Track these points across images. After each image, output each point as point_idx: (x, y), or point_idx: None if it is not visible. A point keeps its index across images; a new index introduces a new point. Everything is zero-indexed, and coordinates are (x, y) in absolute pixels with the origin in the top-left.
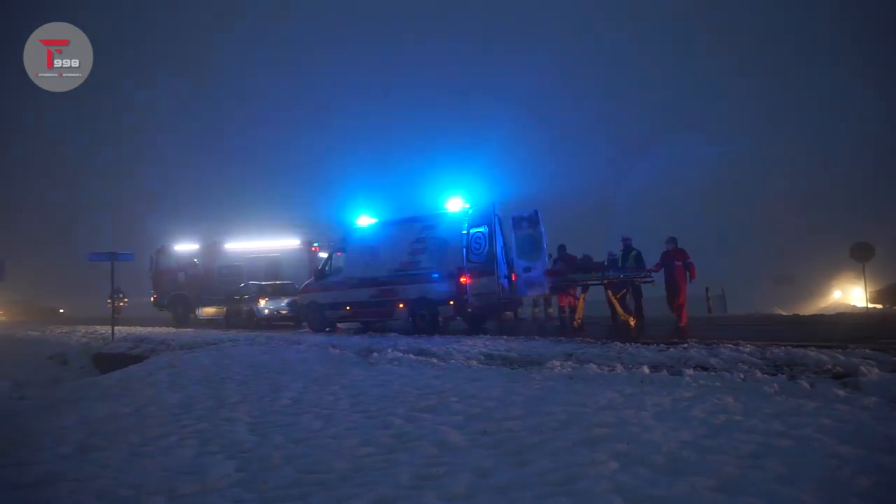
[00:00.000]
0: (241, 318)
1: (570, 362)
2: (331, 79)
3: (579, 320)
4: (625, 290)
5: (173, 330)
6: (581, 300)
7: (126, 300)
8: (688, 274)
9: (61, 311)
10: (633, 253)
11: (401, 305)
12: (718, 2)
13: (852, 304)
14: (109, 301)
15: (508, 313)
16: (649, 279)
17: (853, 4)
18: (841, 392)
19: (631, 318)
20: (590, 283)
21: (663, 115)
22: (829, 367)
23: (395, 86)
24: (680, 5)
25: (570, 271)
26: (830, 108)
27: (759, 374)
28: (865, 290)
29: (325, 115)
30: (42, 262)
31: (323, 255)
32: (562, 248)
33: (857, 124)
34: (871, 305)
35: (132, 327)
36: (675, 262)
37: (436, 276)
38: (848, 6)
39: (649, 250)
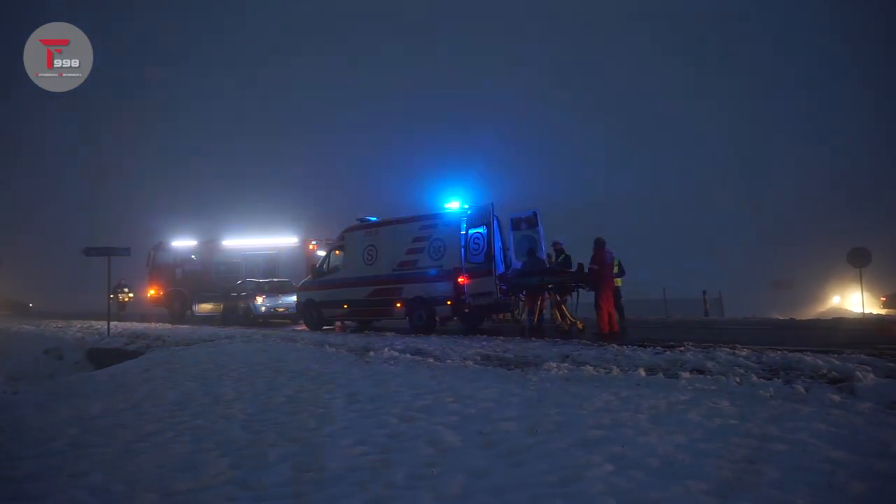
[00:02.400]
0: (237, 314)
1: (566, 364)
2: (333, 78)
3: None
4: (566, 295)
5: (169, 326)
6: (526, 304)
7: (131, 295)
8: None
9: (31, 305)
10: (562, 257)
11: (398, 305)
12: (717, 3)
13: (850, 309)
14: (112, 296)
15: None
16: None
17: (850, 8)
18: (836, 397)
19: (566, 324)
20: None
21: (663, 116)
22: (825, 371)
23: (397, 85)
24: (678, 7)
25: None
26: (829, 112)
27: (754, 378)
28: (862, 295)
29: (327, 114)
30: (38, 258)
31: (320, 252)
32: (531, 251)
33: (855, 128)
34: (886, 311)
35: (128, 322)
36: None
37: (433, 275)
38: (845, 9)
39: (644, 253)
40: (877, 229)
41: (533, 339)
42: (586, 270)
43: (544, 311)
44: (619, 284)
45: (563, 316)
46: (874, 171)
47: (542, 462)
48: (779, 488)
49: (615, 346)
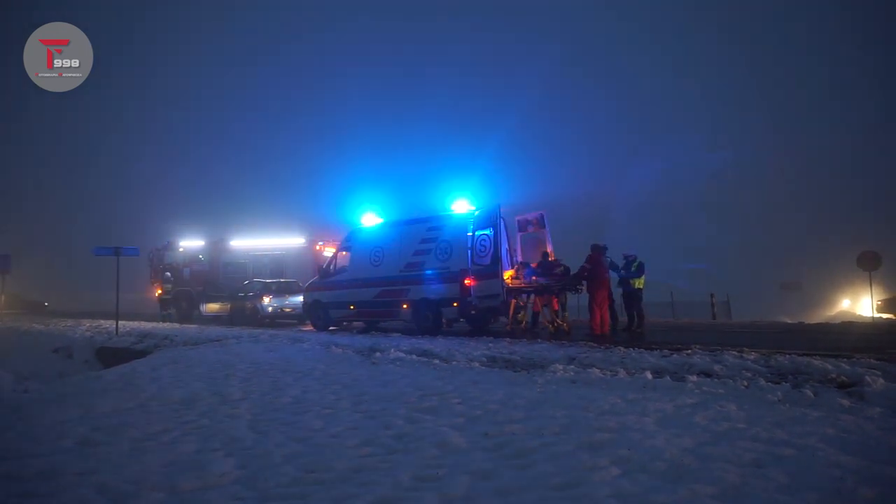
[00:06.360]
0: (245, 315)
1: (572, 366)
2: (336, 77)
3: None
4: (552, 297)
5: (177, 326)
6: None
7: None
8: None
9: (45, 304)
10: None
11: (404, 306)
12: (724, 1)
13: (859, 313)
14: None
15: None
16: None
17: (864, 6)
18: (845, 402)
19: (552, 325)
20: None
21: (666, 116)
22: (834, 376)
23: (401, 83)
24: (683, 3)
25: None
26: (838, 114)
27: (762, 381)
28: (872, 299)
29: (330, 113)
30: (50, 256)
31: (328, 253)
32: (544, 255)
33: (866, 130)
34: (879, 315)
35: (136, 322)
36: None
37: (440, 277)
38: (860, 7)
39: (650, 255)
40: (888, 232)
41: (539, 340)
42: (576, 271)
43: (522, 311)
44: (641, 286)
45: (553, 316)
46: (886, 173)
47: (547, 464)
48: (787, 493)
49: (622, 348)
